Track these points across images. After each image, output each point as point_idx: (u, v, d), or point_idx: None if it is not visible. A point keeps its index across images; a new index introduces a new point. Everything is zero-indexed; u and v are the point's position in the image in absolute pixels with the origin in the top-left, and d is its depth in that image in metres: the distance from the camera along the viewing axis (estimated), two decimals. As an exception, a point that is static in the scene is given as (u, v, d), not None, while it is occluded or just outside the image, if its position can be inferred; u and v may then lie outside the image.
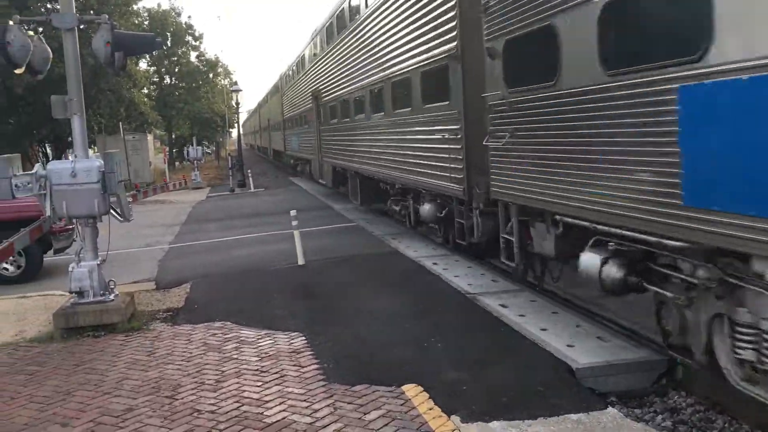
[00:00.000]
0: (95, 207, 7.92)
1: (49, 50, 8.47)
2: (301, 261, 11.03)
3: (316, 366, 6.13)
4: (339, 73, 18.31)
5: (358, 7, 15.39)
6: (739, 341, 4.55)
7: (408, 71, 11.28)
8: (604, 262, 5.69)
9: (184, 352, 6.83)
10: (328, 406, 5.20)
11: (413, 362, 6.05)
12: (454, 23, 8.95)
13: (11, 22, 7.88)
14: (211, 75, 62.22)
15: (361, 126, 15.72)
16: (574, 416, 4.81)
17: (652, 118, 4.82)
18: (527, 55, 6.95)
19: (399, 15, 11.66)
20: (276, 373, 6.01)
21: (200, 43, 61.33)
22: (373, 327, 7.23)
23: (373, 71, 13.87)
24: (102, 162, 8.02)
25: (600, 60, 5.45)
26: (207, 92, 59.15)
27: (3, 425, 5.28)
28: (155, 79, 57.35)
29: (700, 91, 4.31)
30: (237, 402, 5.40)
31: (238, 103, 39.72)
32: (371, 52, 14.01)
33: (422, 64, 10.49)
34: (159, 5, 54.91)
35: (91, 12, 23.99)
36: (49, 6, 30.02)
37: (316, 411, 5.11)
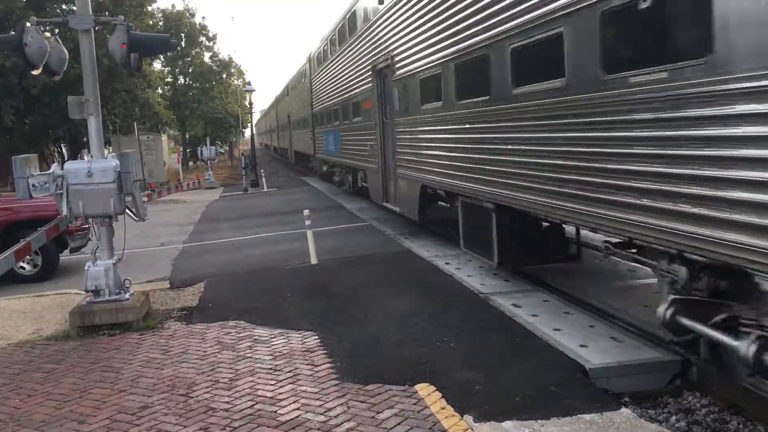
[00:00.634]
0: (111, 206, 8.00)
1: (66, 51, 8.56)
2: (314, 260, 11.07)
3: (329, 365, 6.16)
4: (439, 20, 9.83)
5: None
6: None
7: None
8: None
9: (199, 350, 6.89)
10: (341, 404, 5.22)
11: (426, 362, 6.07)
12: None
13: (28, 24, 7.97)
14: (224, 75, 62.43)
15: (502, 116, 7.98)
16: (587, 416, 4.80)
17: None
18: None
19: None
20: (289, 371, 6.05)
21: (214, 43, 61.50)
22: (386, 326, 7.25)
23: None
24: (118, 162, 8.09)
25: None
26: (220, 92, 59.35)
27: (20, 422, 5.35)
28: (169, 80, 57.62)
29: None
30: (251, 400, 5.44)
31: (251, 103, 39.86)
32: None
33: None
34: (173, 6, 55.19)
35: (106, 13, 24.17)
36: (65, 7, 30.25)
37: (329, 410, 5.14)
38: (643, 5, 5.05)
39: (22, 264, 11.64)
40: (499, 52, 7.79)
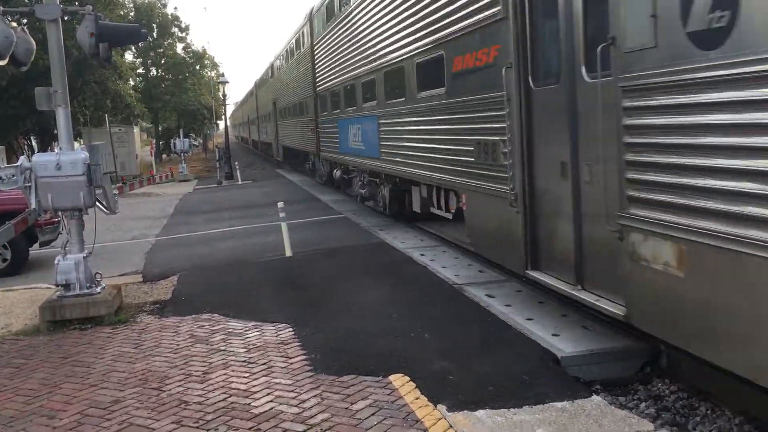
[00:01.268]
0: (81, 199, 7.89)
1: (33, 42, 8.40)
2: (288, 253, 11.03)
3: (303, 357, 6.14)
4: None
5: None
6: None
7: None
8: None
9: (171, 343, 6.83)
10: (315, 396, 5.22)
11: (400, 352, 6.08)
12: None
13: (-6, 13, 7.81)
14: (197, 67, 61.84)
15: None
16: (559, 404, 4.85)
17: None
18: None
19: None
20: (263, 364, 6.02)
21: (187, 34, 60.82)
22: (361, 318, 7.25)
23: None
24: (87, 154, 7.98)
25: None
26: (194, 84, 58.81)
27: (-11, 418, 5.26)
28: (141, 71, 56.92)
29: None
30: (224, 393, 5.41)
31: (225, 95, 39.51)
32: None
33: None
34: (145, -4, 54.35)
35: (76, 3, 23.74)
36: (32, -4, 29.70)
37: (303, 401, 5.13)
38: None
39: (-10, 258, 11.45)
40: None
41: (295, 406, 5.06)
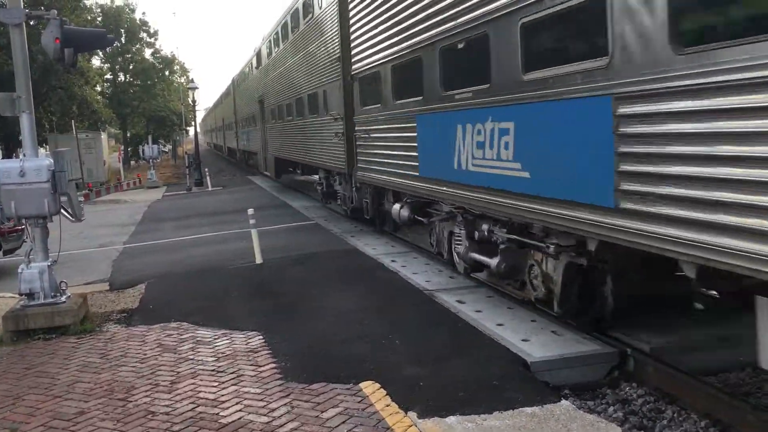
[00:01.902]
0: (45, 207, 7.74)
1: (-4, 46, 8.25)
2: (259, 260, 10.94)
3: (273, 365, 6.09)
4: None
5: None
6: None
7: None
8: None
9: (139, 353, 6.73)
10: (285, 405, 5.18)
11: (371, 359, 6.07)
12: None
13: (-45, 17, 7.65)
14: (167, 72, 61.26)
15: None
16: (528, 409, 4.88)
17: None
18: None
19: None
20: (232, 373, 5.96)
21: (155, 40, 60.26)
22: (332, 325, 7.22)
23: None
24: (52, 161, 7.84)
25: None
26: (163, 90, 58.22)
27: (-51, 432, 5.13)
28: (109, 77, 56.22)
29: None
30: (192, 403, 5.34)
31: (194, 101, 39.16)
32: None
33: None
34: (112, 1, 53.76)
35: (42, 8, 23.36)
36: (-4, 1, 29.17)
37: (272, 410, 5.09)
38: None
39: (-49, 267, 11.18)
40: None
41: (265, 415, 5.01)
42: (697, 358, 5.78)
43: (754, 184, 3.91)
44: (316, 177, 17.79)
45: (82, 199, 8.41)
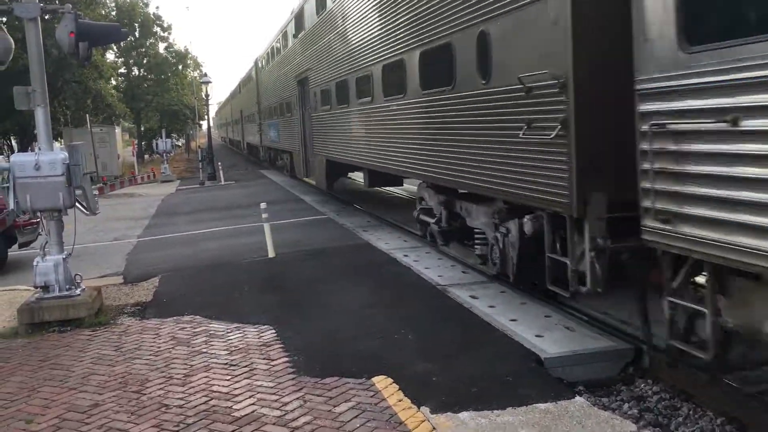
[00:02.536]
0: (60, 200, 7.79)
1: (11, 40, 8.28)
2: (271, 254, 10.96)
3: (285, 359, 6.10)
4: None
5: None
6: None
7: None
8: None
9: (152, 346, 6.75)
10: (297, 399, 5.18)
11: (383, 354, 6.06)
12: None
13: (-29, 12, 7.70)
14: (180, 67, 61.45)
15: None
16: (542, 405, 4.85)
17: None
18: None
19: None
20: (245, 366, 5.97)
21: (169, 34, 60.49)
22: (344, 319, 7.21)
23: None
24: (66, 154, 7.88)
25: None
26: (176, 84, 58.41)
27: (-35, 423, 5.17)
28: (123, 71, 56.48)
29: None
30: (206, 396, 5.35)
31: (207, 95, 39.26)
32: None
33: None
34: (127, -5, 53.92)
35: (56, 1, 23.50)
36: (12, -5, 29.36)
37: (285, 404, 5.09)
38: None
39: (-32, 260, 11.29)
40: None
41: (278, 408, 5.02)
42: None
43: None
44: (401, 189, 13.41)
45: (96, 192, 8.45)
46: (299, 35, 20.22)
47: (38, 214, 8.14)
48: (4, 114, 28.55)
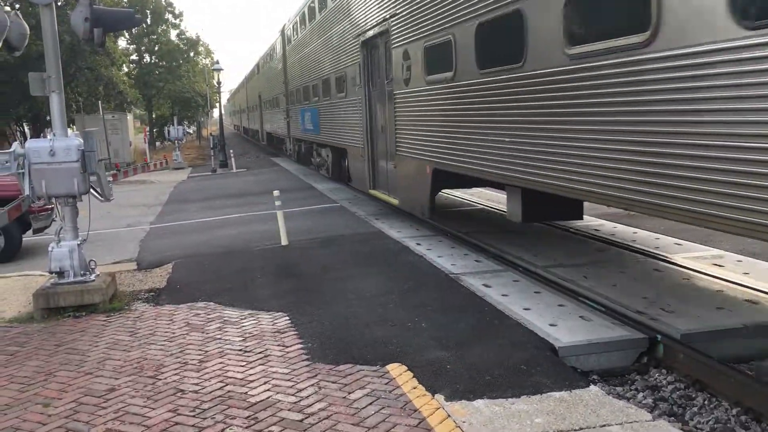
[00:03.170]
0: (75, 186, 7.82)
1: (26, 26, 8.29)
2: (284, 241, 10.98)
3: (300, 346, 6.12)
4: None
5: None
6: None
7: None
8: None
9: (167, 332, 6.80)
10: (312, 385, 5.20)
11: (397, 342, 6.06)
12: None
13: (-14, -3, 7.71)
14: (191, 54, 61.51)
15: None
16: (556, 394, 4.85)
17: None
18: None
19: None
20: (260, 353, 6.00)
21: (180, 21, 60.54)
22: (357, 307, 7.22)
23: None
24: (81, 141, 7.90)
25: None
26: (188, 71, 58.49)
27: (-17, 406, 5.22)
28: (135, 58, 56.61)
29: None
30: (221, 382, 5.38)
31: (219, 82, 39.29)
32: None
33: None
34: (138, -18, 53.91)
35: (69, -12, 23.53)
36: (25, -18, 29.42)
37: (300, 390, 5.11)
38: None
39: (-17, 245, 11.37)
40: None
41: (293, 395, 5.04)
42: (729, 344, 5.70)
43: None
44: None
45: (110, 179, 8.48)
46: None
47: (53, 200, 8.18)
48: (17, 100, 28.71)
